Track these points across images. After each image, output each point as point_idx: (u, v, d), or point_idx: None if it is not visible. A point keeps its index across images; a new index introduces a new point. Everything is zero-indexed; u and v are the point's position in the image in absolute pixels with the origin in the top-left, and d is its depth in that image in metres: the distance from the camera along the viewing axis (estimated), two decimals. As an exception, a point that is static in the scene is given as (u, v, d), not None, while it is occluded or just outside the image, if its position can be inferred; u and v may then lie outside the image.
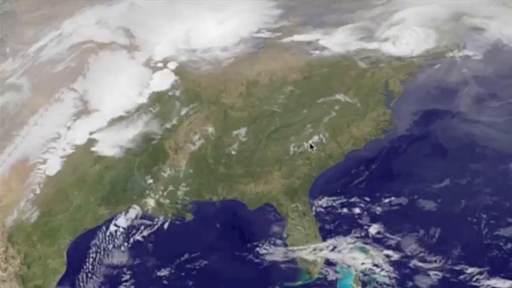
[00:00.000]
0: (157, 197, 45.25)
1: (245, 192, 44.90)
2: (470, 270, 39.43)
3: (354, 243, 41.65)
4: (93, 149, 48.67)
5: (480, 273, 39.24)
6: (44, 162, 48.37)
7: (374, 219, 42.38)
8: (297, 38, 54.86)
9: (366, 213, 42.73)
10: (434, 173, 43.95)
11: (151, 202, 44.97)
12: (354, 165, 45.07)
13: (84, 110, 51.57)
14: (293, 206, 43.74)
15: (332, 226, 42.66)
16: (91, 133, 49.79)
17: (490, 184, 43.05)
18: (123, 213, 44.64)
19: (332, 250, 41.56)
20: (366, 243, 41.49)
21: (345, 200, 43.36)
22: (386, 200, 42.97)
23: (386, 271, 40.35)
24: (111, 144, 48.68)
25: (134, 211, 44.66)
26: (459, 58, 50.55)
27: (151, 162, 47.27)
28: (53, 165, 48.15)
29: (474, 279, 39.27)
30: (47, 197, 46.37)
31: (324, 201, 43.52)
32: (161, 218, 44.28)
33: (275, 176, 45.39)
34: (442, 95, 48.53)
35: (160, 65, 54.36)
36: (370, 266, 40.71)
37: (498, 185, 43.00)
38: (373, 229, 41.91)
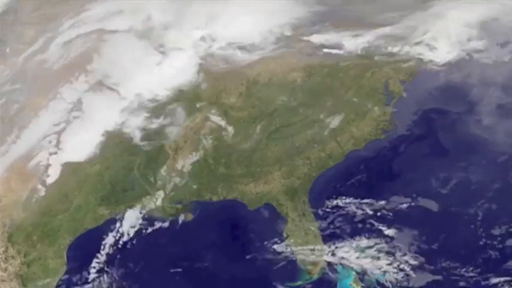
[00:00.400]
0: (157, 197, 45.27)
1: (245, 192, 44.89)
2: (496, 279, 39.36)
3: (376, 245, 41.56)
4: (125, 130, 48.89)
5: (508, 281, 39.16)
6: (47, 159, 48.41)
7: (380, 220, 42.32)
8: (319, 39, 53.96)
9: (369, 213, 42.72)
10: (435, 173, 43.96)
11: (151, 202, 44.97)
12: (354, 165, 45.08)
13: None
14: (300, 206, 43.69)
15: (341, 228, 42.63)
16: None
17: (491, 184, 43.07)
18: (138, 206, 44.83)
19: (349, 251, 41.53)
20: (390, 247, 41.48)
21: (349, 201, 43.33)
22: (387, 201, 42.99)
23: (413, 276, 40.24)
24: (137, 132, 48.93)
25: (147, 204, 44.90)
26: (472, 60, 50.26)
27: (151, 162, 47.26)
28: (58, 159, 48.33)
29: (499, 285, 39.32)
30: (47, 197, 46.36)
31: (331, 202, 43.43)
32: (161, 218, 44.29)
33: (275, 176, 45.39)
34: (442, 94, 48.49)
35: (180, 58, 53.81)
36: (394, 269, 40.59)
37: (499, 184, 43.02)
38: (390, 232, 41.82)
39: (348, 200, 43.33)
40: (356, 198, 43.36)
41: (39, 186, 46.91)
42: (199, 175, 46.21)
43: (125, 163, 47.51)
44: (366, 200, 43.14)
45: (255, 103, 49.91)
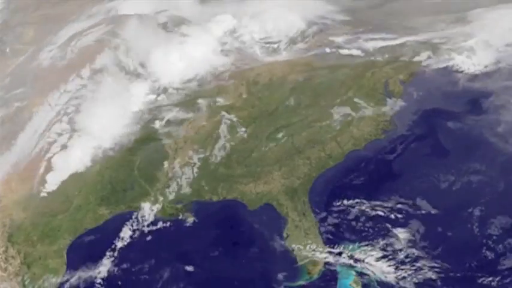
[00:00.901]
0: (157, 197, 45.26)
1: (245, 192, 44.88)
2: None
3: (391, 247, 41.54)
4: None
5: None
6: (47, 159, 48.38)
7: (391, 222, 42.22)
8: (344, 40, 53.78)
9: (375, 214, 42.68)
10: (435, 173, 43.96)
11: (151, 202, 44.98)
12: (354, 165, 45.07)
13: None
14: (300, 206, 43.66)
15: (348, 229, 42.53)
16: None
17: (492, 184, 43.11)
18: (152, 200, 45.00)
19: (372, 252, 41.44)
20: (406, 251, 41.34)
21: (353, 202, 43.26)
22: (389, 201, 43.01)
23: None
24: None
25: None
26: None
27: (151, 162, 47.28)
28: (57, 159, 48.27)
29: None
30: (47, 197, 46.36)
31: (335, 203, 43.33)
32: (161, 218, 44.28)
33: (275, 176, 45.38)
34: (443, 94, 48.54)
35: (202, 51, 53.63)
36: (417, 275, 40.41)
37: (500, 184, 43.07)
38: (402, 234, 41.77)
39: (352, 201, 43.28)
40: (356, 198, 43.31)
41: (40, 187, 46.91)
42: (199, 175, 46.22)
43: (125, 163, 47.52)
44: (367, 201, 43.13)
45: (255, 103, 49.96)
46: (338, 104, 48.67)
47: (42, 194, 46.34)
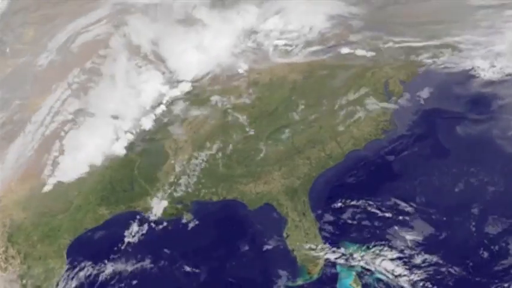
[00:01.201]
0: (157, 197, 45.26)
1: (245, 192, 44.90)
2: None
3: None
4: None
5: None
6: (50, 159, 48.41)
7: (400, 224, 42.29)
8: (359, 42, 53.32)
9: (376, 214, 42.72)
10: (436, 173, 43.98)
11: (151, 202, 44.99)
12: (353, 165, 45.09)
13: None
14: (300, 206, 43.64)
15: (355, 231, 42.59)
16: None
17: (492, 183, 43.09)
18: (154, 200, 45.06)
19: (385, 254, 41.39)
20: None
21: (355, 203, 43.25)
22: (387, 201, 43.00)
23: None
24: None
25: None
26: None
27: (151, 162, 47.29)
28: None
29: None
30: (47, 197, 46.37)
31: (337, 203, 43.29)
32: (161, 218, 44.30)
33: (275, 176, 45.40)
34: (443, 94, 48.51)
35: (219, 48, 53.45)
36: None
37: (501, 184, 43.05)
38: (403, 234, 41.70)
39: (351, 201, 43.26)
40: (356, 198, 43.32)
41: (40, 186, 46.91)
42: (199, 175, 46.20)
43: (125, 163, 47.53)
44: (367, 201, 43.12)
45: (255, 103, 49.98)
46: (338, 104, 48.69)
47: (53, 181, 46.65)
